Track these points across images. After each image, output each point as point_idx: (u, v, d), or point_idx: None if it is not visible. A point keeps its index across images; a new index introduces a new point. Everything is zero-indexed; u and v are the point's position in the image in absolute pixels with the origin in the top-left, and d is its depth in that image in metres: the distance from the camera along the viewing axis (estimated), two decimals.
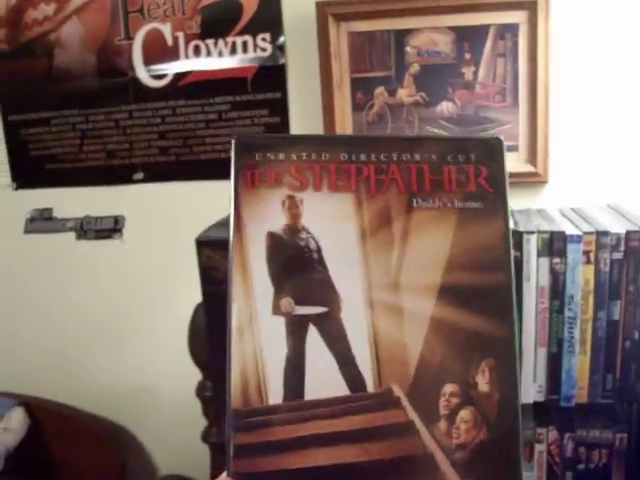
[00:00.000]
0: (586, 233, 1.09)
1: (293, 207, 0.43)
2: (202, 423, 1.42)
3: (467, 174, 0.43)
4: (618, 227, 1.10)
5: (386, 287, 0.42)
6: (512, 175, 1.31)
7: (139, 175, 1.56)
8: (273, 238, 0.42)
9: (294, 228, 0.42)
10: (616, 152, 1.34)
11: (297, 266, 0.42)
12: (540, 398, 1.15)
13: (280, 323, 0.41)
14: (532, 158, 1.33)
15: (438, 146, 0.44)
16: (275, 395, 0.40)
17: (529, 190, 1.37)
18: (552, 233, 1.10)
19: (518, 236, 1.10)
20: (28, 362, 1.73)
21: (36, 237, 1.65)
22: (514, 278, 0.42)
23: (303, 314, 0.41)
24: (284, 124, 1.43)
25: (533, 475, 1.19)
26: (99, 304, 1.67)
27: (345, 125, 1.34)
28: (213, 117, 1.48)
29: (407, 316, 0.41)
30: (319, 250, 0.42)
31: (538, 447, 1.19)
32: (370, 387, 0.41)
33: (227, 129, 1.47)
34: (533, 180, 1.35)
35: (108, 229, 1.61)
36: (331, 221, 0.43)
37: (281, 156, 0.43)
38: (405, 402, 0.40)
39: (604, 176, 1.35)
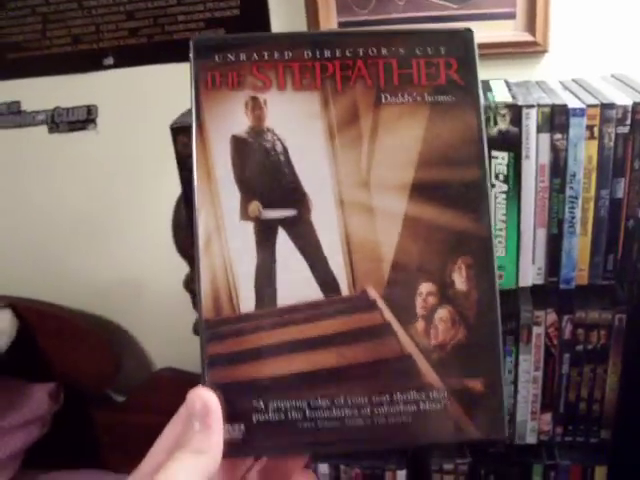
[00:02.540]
0: (590, 106, 1.07)
1: (257, 108, 0.43)
2: (193, 315, 1.45)
3: (437, 67, 0.44)
4: (624, 99, 1.08)
5: (356, 186, 0.43)
6: (509, 45, 1.32)
7: (109, 60, 1.51)
8: (237, 141, 0.43)
9: (259, 130, 0.43)
10: (622, 17, 1.29)
11: (263, 169, 0.43)
12: (539, 281, 1.16)
13: (249, 229, 0.42)
14: (531, 25, 1.27)
15: (406, 40, 0.44)
16: (247, 303, 0.42)
17: (527, 61, 1.32)
18: (553, 107, 1.07)
19: (517, 110, 1.07)
20: (9, 262, 1.75)
21: (4, 132, 1.62)
22: (488, 173, 0.43)
23: (271, 218, 0.42)
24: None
25: (531, 357, 1.23)
26: (79, 199, 1.67)
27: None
28: None
29: (379, 215, 0.42)
30: (285, 151, 0.43)
31: (536, 330, 1.22)
32: (344, 290, 0.42)
33: (201, 4, 1.42)
34: (532, 50, 1.30)
35: (81, 120, 1.58)
36: (297, 121, 0.43)
37: (242, 56, 0.44)
38: (381, 304, 0.42)
39: (609, 44, 1.30)
